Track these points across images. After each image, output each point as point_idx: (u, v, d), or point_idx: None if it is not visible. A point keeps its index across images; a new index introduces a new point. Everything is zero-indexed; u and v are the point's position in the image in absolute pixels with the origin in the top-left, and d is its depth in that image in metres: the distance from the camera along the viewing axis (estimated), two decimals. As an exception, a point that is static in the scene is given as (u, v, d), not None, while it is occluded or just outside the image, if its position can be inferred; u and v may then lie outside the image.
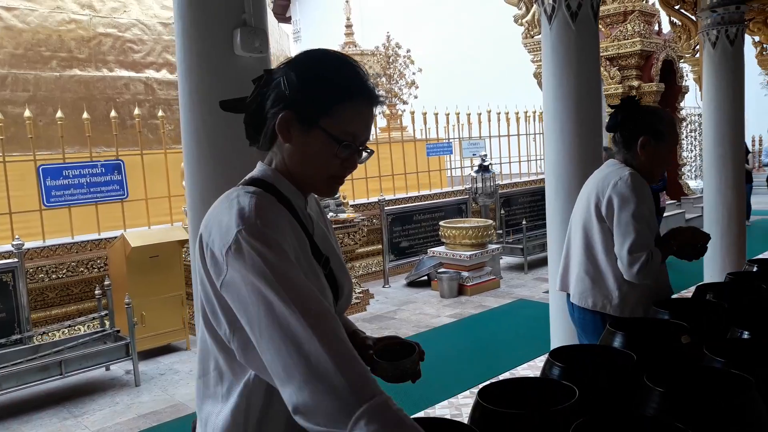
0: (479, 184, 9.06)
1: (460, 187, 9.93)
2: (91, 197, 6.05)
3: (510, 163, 10.89)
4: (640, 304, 2.47)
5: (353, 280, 4.86)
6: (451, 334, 5.98)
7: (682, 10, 6.65)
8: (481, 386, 1.39)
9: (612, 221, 2.43)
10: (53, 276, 5.81)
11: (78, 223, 6.08)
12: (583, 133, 3.75)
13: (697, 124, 15.20)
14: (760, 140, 16.23)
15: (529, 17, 9.03)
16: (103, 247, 6.08)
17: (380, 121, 10.02)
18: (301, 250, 1.19)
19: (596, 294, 2.54)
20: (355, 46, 11.57)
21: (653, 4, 9.49)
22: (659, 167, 2.50)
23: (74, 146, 6.80)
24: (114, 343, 4.96)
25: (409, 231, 8.56)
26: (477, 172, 9.14)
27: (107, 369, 5.18)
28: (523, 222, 8.62)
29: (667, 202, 9.08)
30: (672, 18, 7.08)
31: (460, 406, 4.15)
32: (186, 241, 5.67)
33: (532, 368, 4.78)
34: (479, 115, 10.12)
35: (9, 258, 5.26)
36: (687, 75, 10.61)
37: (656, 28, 9.69)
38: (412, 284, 8.00)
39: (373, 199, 8.48)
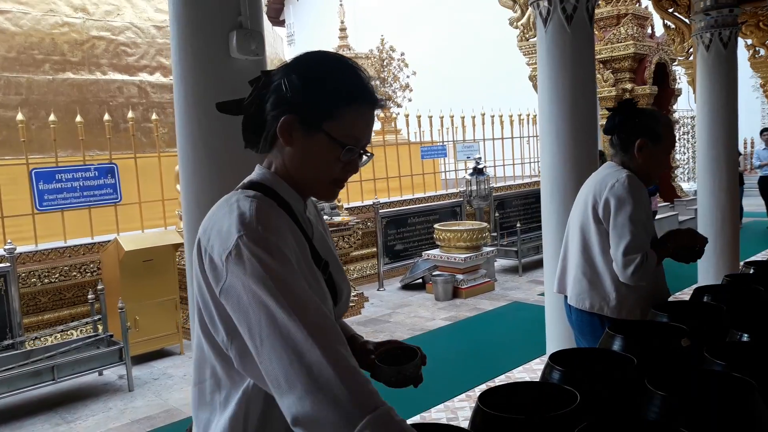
0: (474, 187, 9.07)
1: (454, 190, 9.93)
2: (84, 201, 6.00)
3: (504, 165, 10.90)
4: (637, 306, 2.47)
5: (348, 284, 4.83)
6: (446, 337, 5.97)
7: (676, 13, 6.68)
8: (479, 390, 1.38)
9: (609, 223, 2.43)
10: (46, 280, 5.77)
11: (71, 227, 6.04)
12: (578, 135, 3.76)
13: (690, 126, 15.27)
14: (752, 143, 16.31)
15: (524, 20, 9.05)
16: (96, 251, 6.04)
17: (375, 124, 10.00)
18: (302, 254, 1.18)
19: (593, 296, 2.54)
20: (349, 50, 11.56)
21: (646, 8, 9.54)
22: (656, 169, 2.51)
23: (67, 150, 6.76)
24: (107, 347, 4.92)
25: (403, 234, 8.55)
26: (471, 174, 9.15)
27: (100, 374, 5.14)
28: (518, 224, 8.63)
29: (659, 205, 9.11)
30: (666, 21, 7.12)
31: (456, 410, 4.14)
32: (180, 245, 5.64)
33: (527, 371, 4.77)
34: (473, 118, 10.13)
35: (1, 262, 5.21)
36: (680, 78, 10.66)
37: (649, 31, 9.74)
38: (407, 287, 7.98)
39: (368, 202, 8.46)
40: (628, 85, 9.15)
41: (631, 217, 2.37)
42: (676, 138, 14.00)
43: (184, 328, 5.79)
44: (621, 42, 9.05)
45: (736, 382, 1.32)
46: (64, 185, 5.85)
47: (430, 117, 9.55)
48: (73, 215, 6.06)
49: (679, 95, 10.48)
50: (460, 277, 7.42)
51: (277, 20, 23.46)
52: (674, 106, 10.63)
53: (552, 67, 3.75)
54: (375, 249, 8.20)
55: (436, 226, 7.96)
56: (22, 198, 5.82)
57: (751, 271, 2.54)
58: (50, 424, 4.38)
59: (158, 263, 5.53)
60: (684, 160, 15.53)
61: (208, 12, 2.35)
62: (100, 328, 5.10)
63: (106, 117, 6.49)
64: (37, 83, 7.42)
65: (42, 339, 5.38)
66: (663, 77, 9.78)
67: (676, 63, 10.00)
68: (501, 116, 10.53)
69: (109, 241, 5.75)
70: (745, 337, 1.67)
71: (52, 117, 6.11)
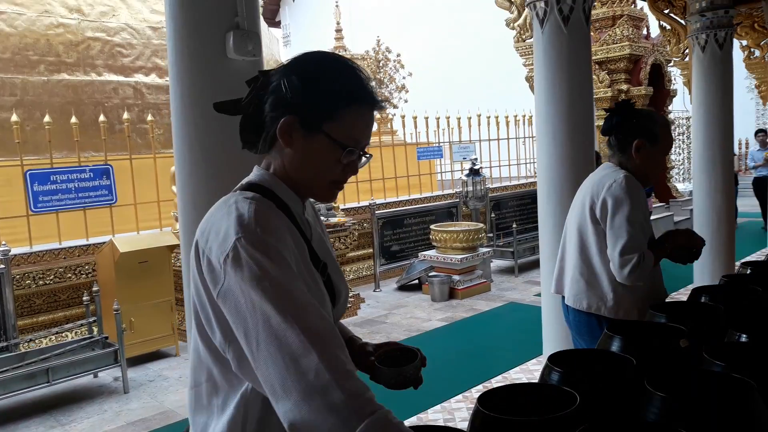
0: (470, 188, 9.08)
1: (450, 191, 9.93)
2: (79, 202, 5.98)
3: (500, 166, 10.91)
4: (634, 307, 2.48)
5: (345, 285, 4.82)
6: (442, 338, 5.97)
7: (672, 15, 6.71)
8: (476, 390, 1.38)
9: (606, 223, 2.44)
10: (40, 282, 5.74)
11: (66, 228, 6.01)
12: (575, 136, 3.76)
13: (685, 127, 15.32)
14: (746, 143, 16.39)
15: (521, 21, 9.06)
16: (92, 253, 6.01)
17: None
18: (301, 256, 1.17)
19: (591, 296, 2.54)
20: (345, 51, 11.55)
21: (641, 9, 9.56)
22: (654, 170, 2.52)
23: (62, 151, 6.73)
24: (102, 349, 4.89)
25: (399, 235, 8.55)
26: (467, 175, 9.16)
27: (95, 376, 5.11)
28: (514, 225, 8.64)
29: (654, 206, 9.13)
30: (661, 22, 7.14)
31: (453, 411, 4.14)
32: (175, 246, 5.62)
33: (524, 371, 4.78)
34: (469, 119, 10.14)
35: (-5, 264, 5.19)
36: (675, 79, 10.69)
37: (644, 32, 9.76)
38: (403, 288, 7.98)
39: (364, 203, 8.46)
40: (624, 86, 9.16)
41: (629, 217, 2.38)
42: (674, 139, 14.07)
43: (179, 329, 5.77)
44: (616, 43, 9.07)
45: (735, 383, 1.32)
46: (59, 186, 5.83)
47: (426, 118, 9.55)
48: (68, 217, 6.03)
49: (674, 96, 10.52)
50: (456, 277, 7.42)
51: (273, 21, 23.45)
52: (669, 107, 10.65)
53: (549, 68, 3.76)
54: (371, 250, 8.19)
55: (432, 226, 7.97)
56: (17, 199, 5.80)
57: (748, 271, 2.54)
58: (45, 426, 4.35)
59: (154, 265, 5.51)
60: (679, 161, 15.57)
61: (204, 12, 2.34)
62: (95, 329, 5.08)
63: (102, 118, 6.47)
64: (32, 84, 7.39)
65: (37, 341, 5.35)
66: (658, 78, 9.80)
67: (671, 64, 10.03)
68: (497, 117, 10.54)
69: (104, 242, 5.72)
70: (744, 338, 1.67)
71: (47, 118, 6.08)
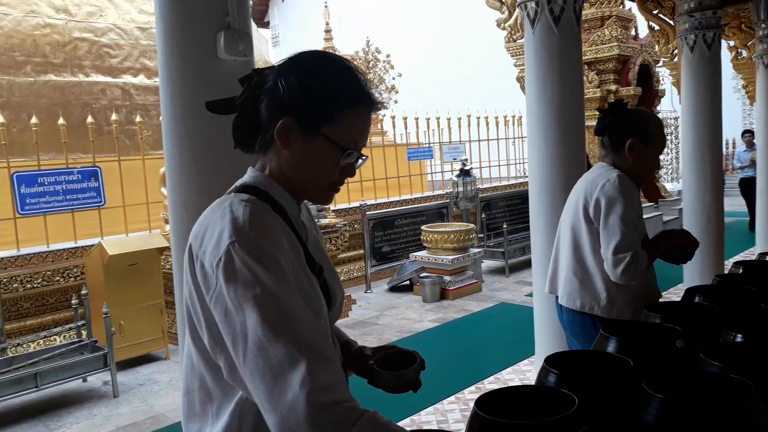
0: (460, 189, 9.08)
1: (441, 192, 9.94)
2: (67, 204, 5.91)
3: (490, 167, 10.92)
4: (627, 306, 2.48)
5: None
6: (434, 339, 5.96)
7: (661, 15, 6.74)
8: (468, 392, 1.37)
9: (599, 223, 2.44)
10: (28, 286, 5.67)
11: (54, 231, 5.95)
12: (566, 136, 3.76)
13: (673, 127, 15.42)
14: (733, 143, 16.51)
15: (511, 21, 9.08)
16: (80, 256, 5.96)
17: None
18: (297, 260, 1.15)
19: (584, 295, 2.55)
20: (335, 51, 11.54)
21: (630, 10, 9.61)
22: (647, 170, 2.53)
23: (49, 153, 6.66)
24: (91, 353, 4.84)
25: (390, 236, 8.54)
26: (458, 176, 9.16)
27: (84, 380, 5.06)
28: (504, 225, 8.65)
29: (643, 206, 9.16)
30: (650, 23, 7.17)
31: (445, 412, 4.13)
32: (165, 248, 5.58)
33: (516, 372, 4.78)
34: (459, 119, 10.15)
35: (-18, 267, 5.13)
36: (663, 79, 10.75)
37: (633, 32, 9.82)
38: (395, 289, 7.97)
39: (355, 204, 8.44)
40: (613, 87, 9.21)
41: (622, 216, 2.38)
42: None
43: (169, 332, 5.72)
44: (605, 44, 9.11)
45: (733, 384, 1.32)
46: (46, 189, 5.76)
47: (417, 119, 9.55)
48: (56, 219, 5.96)
49: (662, 96, 10.58)
50: (447, 278, 7.41)
51: (262, 22, 23.38)
52: (658, 107, 10.72)
53: (540, 68, 3.76)
54: (362, 251, 8.17)
55: (423, 227, 7.96)
56: (4, 202, 5.73)
57: (741, 270, 2.55)
58: None
59: (143, 267, 5.47)
60: (668, 161, 15.67)
61: (195, 12, 2.31)
62: (84, 333, 5.03)
63: (89, 119, 6.40)
64: (18, 85, 7.31)
65: (24, 345, 5.29)
66: (647, 78, 9.86)
67: (660, 64, 10.09)
68: (487, 118, 10.56)
69: (92, 245, 5.67)
70: (739, 338, 1.66)
71: (33, 119, 6.01)
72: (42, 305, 5.84)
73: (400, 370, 1.31)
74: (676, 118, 14.60)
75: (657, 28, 7.10)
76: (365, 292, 7.89)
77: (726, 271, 3.29)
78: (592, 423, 1.21)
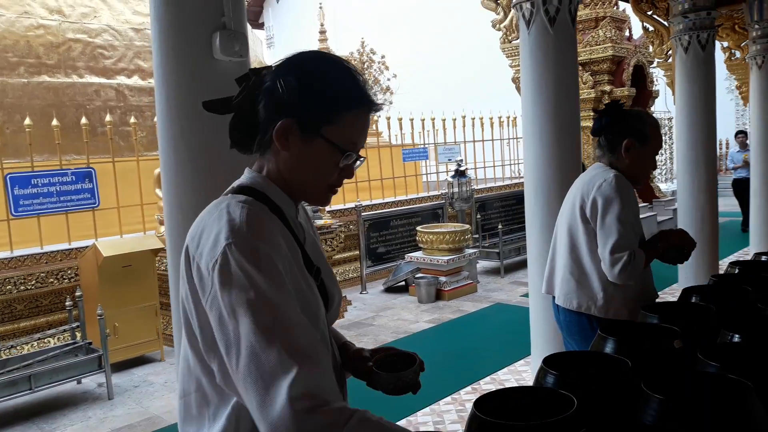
0: (455, 189, 9.09)
1: (436, 192, 9.94)
2: (61, 206, 5.89)
3: (485, 167, 10.93)
4: (624, 306, 2.49)
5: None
6: (430, 340, 5.96)
7: (655, 16, 6.76)
8: (464, 392, 1.37)
9: (596, 223, 2.44)
10: (22, 287, 5.64)
11: (48, 232, 5.92)
12: (561, 136, 3.77)
13: (667, 128, 15.46)
14: (727, 144, 16.58)
15: (507, 22, 9.09)
16: (74, 257, 5.92)
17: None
18: (294, 261, 1.14)
19: (581, 295, 2.55)
20: (330, 52, 11.54)
21: (624, 11, 9.64)
22: (644, 170, 2.54)
23: (43, 154, 6.64)
24: (86, 355, 4.82)
25: (386, 236, 8.53)
26: (453, 177, 9.17)
27: (79, 382, 5.04)
28: (499, 226, 8.66)
29: (639, 206, 9.19)
30: (645, 24, 7.20)
31: (442, 413, 4.13)
32: (159, 250, 5.56)
33: (512, 372, 4.78)
34: (454, 120, 10.16)
35: (-25, 269, 5.10)
36: (657, 80, 10.79)
37: (627, 33, 9.85)
38: (390, 290, 7.96)
39: (350, 204, 8.43)
40: (607, 87, 9.23)
41: (619, 216, 2.39)
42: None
43: (164, 334, 5.70)
44: (599, 44, 9.14)
45: (731, 384, 1.32)
46: (40, 190, 5.74)
47: (411, 119, 9.55)
48: (49, 221, 5.94)
49: (656, 97, 10.62)
50: (442, 279, 7.41)
51: (256, 23, 23.35)
52: (652, 108, 10.75)
53: (535, 68, 3.76)
54: (357, 252, 8.17)
55: (418, 228, 7.96)
56: (-3, 203, 5.70)
57: (737, 271, 2.55)
58: (27, 434, 4.28)
59: (138, 269, 5.44)
60: (662, 161, 15.72)
61: (190, 13, 2.30)
62: (79, 335, 5.00)
63: (83, 120, 6.38)
64: (12, 86, 7.28)
65: (18, 348, 5.25)
66: (641, 79, 9.89)
67: (654, 65, 10.12)
68: (482, 119, 10.57)
69: (87, 246, 5.65)
70: (737, 338, 1.67)
71: (27, 121, 5.98)
72: (36, 307, 5.81)
73: (400, 371, 1.30)
74: (670, 119, 14.64)
75: (651, 28, 7.12)
76: (361, 293, 7.88)
77: (720, 272, 3.30)
78: (591, 424, 1.20)
